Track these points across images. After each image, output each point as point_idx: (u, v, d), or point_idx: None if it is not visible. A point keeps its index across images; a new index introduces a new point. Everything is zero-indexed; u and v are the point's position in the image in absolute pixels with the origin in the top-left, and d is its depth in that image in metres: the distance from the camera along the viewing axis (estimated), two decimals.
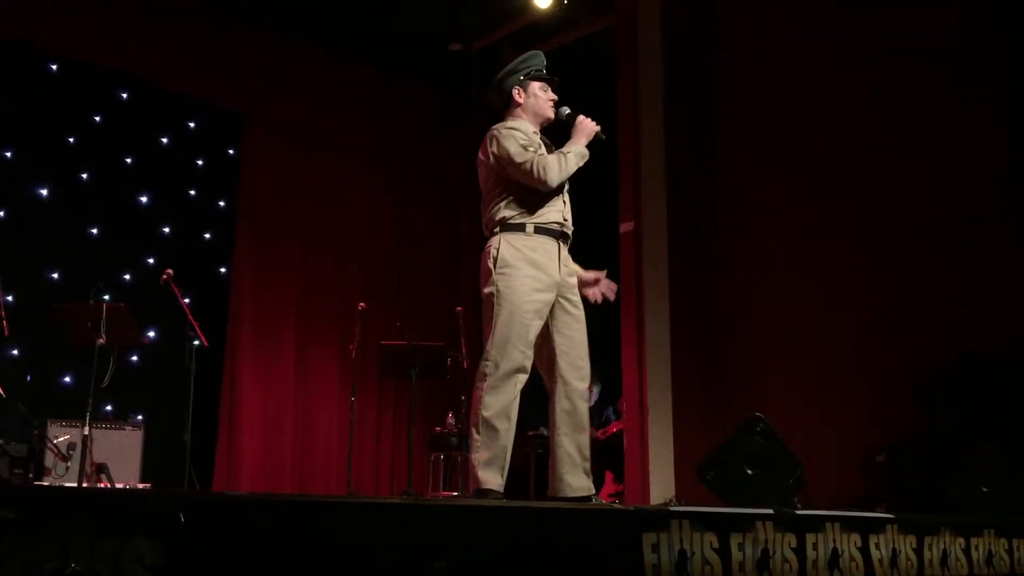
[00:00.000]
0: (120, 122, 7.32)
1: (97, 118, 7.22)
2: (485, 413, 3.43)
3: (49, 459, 5.56)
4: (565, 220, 3.67)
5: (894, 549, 3.39)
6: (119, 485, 5.63)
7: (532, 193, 3.59)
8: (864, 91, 6.22)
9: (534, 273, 3.52)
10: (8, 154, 6.73)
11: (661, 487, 6.33)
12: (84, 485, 5.22)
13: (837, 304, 6.19)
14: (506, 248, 3.55)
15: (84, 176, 7.09)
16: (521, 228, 3.57)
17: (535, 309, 3.50)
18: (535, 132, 3.74)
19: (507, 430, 3.43)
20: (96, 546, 1.75)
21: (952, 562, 3.60)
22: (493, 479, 3.39)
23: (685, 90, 7.10)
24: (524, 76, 3.77)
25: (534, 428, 7.11)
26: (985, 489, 4.23)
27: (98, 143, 7.18)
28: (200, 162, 7.83)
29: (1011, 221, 5.57)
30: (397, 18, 7.92)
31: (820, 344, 6.22)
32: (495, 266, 3.53)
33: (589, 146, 3.68)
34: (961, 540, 3.66)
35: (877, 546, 3.33)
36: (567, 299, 3.63)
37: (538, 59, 3.82)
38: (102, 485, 5.43)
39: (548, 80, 3.80)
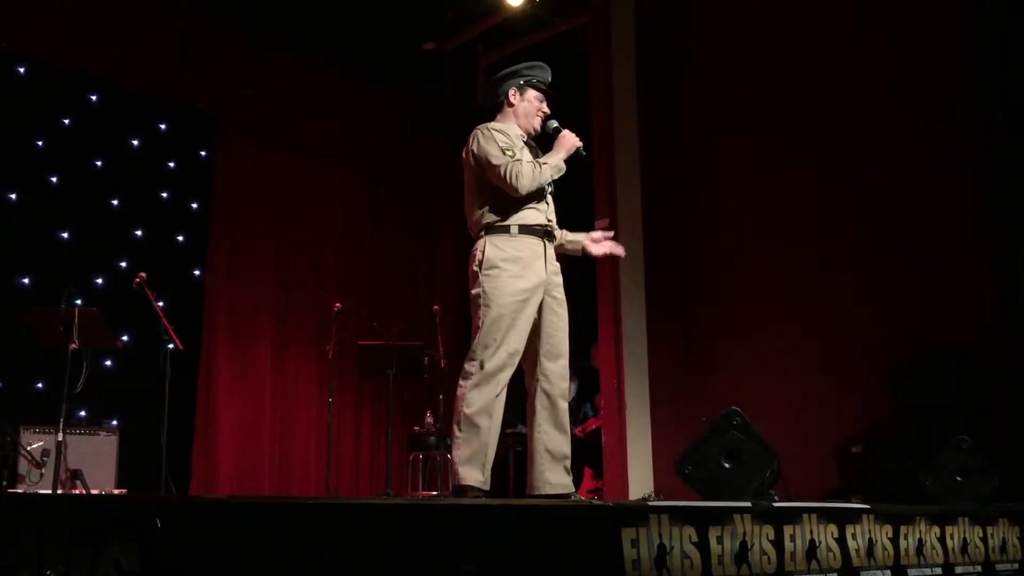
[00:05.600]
0: (90, 125, 7.21)
1: (66, 121, 7.11)
2: (467, 410, 3.43)
3: (23, 466, 5.48)
4: (549, 220, 3.70)
5: (870, 539, 3.43)
6: (94, 491, 5.57)
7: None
8: (835, 89, 6.27)
9: (520, 272, 3.53)
10: None
11: (640, 482, 6.36)
12: (59, 492, 5.17)
13: (811, 300, 6.24)
14: (491, 249, 3.55)
15: (54, 180, 6.97)
16: (506, 230, 3.58)
17: (521, 309, 3.51)
18: (520, 136, 3.74)
19: (489, 428, 3.43)
20: (71, 553, 1.74)
21: (928, 551, 3.64)
22: (473, 476, 3.38)
23: (658, 87, 7.13)
24: (524, 81, 3.80)
25: (512, 426, 7.10)
26: (959, 479, 4.27)
27: (68, 146, 7.08)
28: (172, 164, 7.74)
29: (977, 218, 5.64)
30: (369, 18, 7.88)
31: (796, 339, 6.27)
32: (480, 268, 3.55)
33: (569, 160, 3.71)
34: (936, 529, 3.70)
35: (854, 536, 3.36)
36: (553, 296, 3.65)
37: (543, 71, 3.85)
38: (77, 491, 5.38)
39: (546, 93, 3.82)
